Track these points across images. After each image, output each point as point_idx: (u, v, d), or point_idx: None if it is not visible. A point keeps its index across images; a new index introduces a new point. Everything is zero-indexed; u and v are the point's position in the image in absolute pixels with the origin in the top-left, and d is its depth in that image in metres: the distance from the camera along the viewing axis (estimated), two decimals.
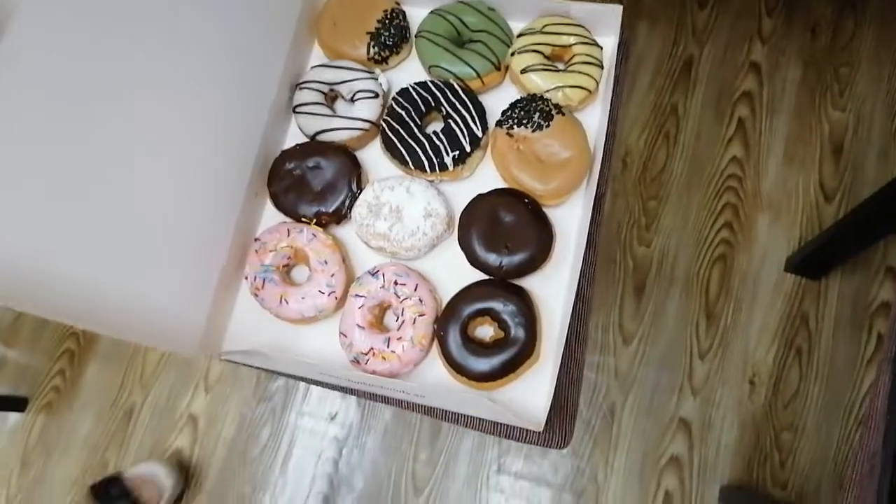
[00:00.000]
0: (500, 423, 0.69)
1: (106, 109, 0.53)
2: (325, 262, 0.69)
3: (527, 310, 0.64)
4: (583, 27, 0.73)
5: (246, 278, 0.71)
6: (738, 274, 1.20)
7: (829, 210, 1.21)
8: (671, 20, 1.35)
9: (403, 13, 0.78)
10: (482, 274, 0.69)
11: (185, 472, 1.22)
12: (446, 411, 0.70)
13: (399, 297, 0.67)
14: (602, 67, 0.72)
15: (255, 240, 0.72)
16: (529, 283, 0.69)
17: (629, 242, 1.24)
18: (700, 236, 1.23)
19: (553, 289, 0.69)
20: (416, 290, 0.66)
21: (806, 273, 1.18)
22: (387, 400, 0.71)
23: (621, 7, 0.71)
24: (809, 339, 1.16)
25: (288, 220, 0.73)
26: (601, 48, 0.73)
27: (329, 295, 0.68)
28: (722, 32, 1.33)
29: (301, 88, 0.75)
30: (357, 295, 0.68)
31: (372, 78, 0.74)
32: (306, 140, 0.75)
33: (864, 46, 1.29)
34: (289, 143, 0.77)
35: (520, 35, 0.74)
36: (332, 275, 0.69)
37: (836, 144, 1.24)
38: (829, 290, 1.17)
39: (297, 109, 0.74)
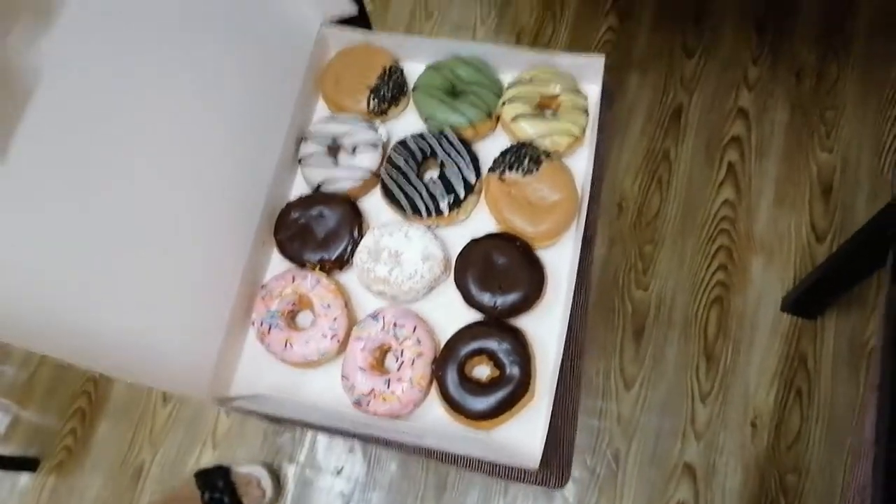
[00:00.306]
0: (500, 464, 0.70)
1: (125, 158, 0.56)
2: (329, 307, 0.71)
3: (521, 348, 0.66)
4: (568, 77, 0.78)
5: (253, 324, 0.73)
6: (735, 316, 1.22)
7: (820, 250, 1.23)
8: (660, 70, 1.40)
9: (401, 70, 0.82)
10: (478, 314, 0.71)
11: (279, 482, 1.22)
12: (447, 453, 0.71)
13: (398, 339, 0.69)
14: (587, 114, 0.76)
15: (262, 286, 0.74)
16: (523, 322, 0.71)
17: (627, 287, 1.26)
18: (696, 279, 1.25)
19: (546, 328, 0.71)
20: (414, 331, 0.69)
21: (802, 313, 1.19)
22: (388, 443, 0.73)
23: (603, 57, 0.75)
24: (809, 379, 1.17)
25: (293, 266, 0.76)
26: (586, 96, 0.77)
27: (332, 338, 0.71)
28: (710, 80, 1.38)
29: (306, 141, 0.79)
30: (358, 338, 0.70)
31: (372, 129, 0.78)
32: (311, 190, 0.78)
33: (848, 90, 1.33)
34: (294, 193, 0.81)
35: (509, 86, 0.78)
36: (335, 319, 0.71)
37: (825, 185, 1.27)
38: (825, 330, 1.19)
39: (303, 161, 0.78)
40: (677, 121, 1.36)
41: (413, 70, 0.83)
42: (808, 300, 1.17)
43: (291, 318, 0.74)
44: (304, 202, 0.76)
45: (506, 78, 0.80)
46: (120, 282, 0.57)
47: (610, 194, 1.32)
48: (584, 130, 0.76)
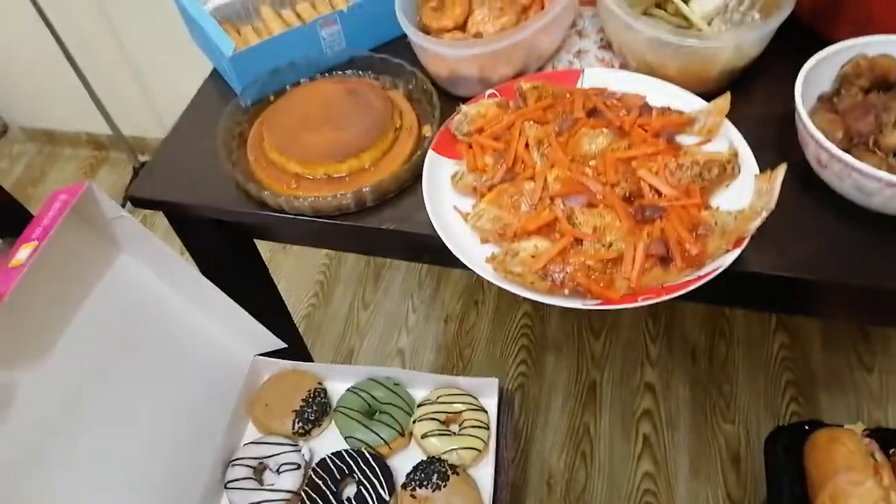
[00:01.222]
0: None
1: (59, 475, 0.63)
2: None
3: None
4: (470, 395, 0.89)
5: None
6: None
7: None
8: (573, 350, 1.55)
9: (325, 390, 0.93)
10: None
11: None
12: None
13: None
14: (488, 428, 0.86)
15: None
16: None
17: None
18: None
19: None
20: None
21: None
22: None
23: (496, 380, 0.88)
24: None
25: None
26: (486, 412, 0.88)
27: None
28: (617, 357, 1.54)
29: (233, 466, 0.86)
30: None
31: (296, 450, 0.86)
32: None
33: (738, 364, 1.49)
34: None
35: (420, 405, 0.89)
36: None
37: (734, 455, 1.37)
38: None
39: (228, 485, 0.84)
40: (593, 396, 1.48)
41: (337, 389, 0.94)
42: None
43: None
44: None
45: (417, 393, 0.91)
46: None
47: (538, 473, 1.38)
48: (486, 443, 0.85)
